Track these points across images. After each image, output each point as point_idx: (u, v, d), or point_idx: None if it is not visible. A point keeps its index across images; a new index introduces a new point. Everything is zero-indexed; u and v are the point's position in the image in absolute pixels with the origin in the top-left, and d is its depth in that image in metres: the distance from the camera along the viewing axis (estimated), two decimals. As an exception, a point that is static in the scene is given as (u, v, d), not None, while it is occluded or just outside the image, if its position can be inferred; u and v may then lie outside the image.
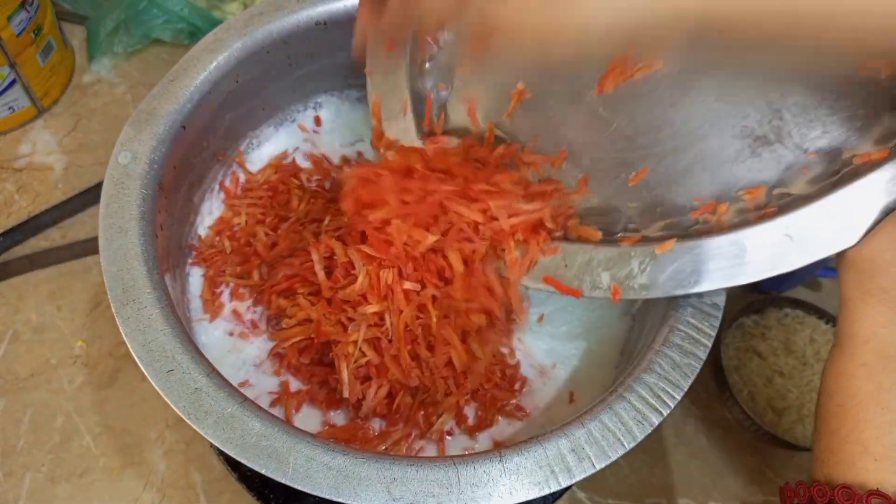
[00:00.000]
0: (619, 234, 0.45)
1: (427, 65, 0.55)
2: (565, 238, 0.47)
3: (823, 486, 0.37)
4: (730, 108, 0.41)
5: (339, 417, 0.53)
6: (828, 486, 0.37)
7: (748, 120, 0.40)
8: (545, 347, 0.57)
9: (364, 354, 0.50)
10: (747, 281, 0.40)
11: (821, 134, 0.39)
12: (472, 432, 0.53)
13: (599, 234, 0.46)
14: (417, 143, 0.54)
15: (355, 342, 0.50)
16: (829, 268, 0.68)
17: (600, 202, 0.46)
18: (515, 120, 0.51)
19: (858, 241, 0.38)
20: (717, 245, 0.41)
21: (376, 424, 0.52)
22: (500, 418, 0.54)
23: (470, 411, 0.54)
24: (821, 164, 0.39)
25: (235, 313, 0.57)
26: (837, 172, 0.38)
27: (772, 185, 0.40)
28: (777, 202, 0.40)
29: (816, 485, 0.38)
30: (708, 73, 0.41)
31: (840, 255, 0.40)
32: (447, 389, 0.51)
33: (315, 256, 0.53)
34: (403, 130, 0.54)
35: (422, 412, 0.52)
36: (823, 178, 0.39)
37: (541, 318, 0.58)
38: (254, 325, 0.56)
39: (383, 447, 0.51)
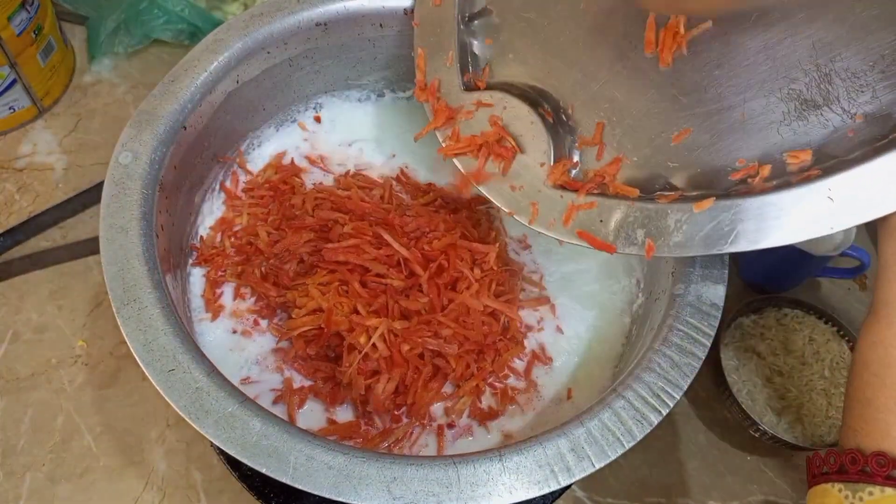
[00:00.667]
0: (657, 193, 0.45)
1: (475, 22, 0.56)
2: (603, 194, 0.47)
3: (856, 453, 0.37)
4: (778, 70, 0.41)
5: (342, 413, 0.53)
6: (860, 454, 0.37)
7: (796, 83, 0.40)
8: (542, 346, 0.57)
9: (375, 348, 0.51)
10: (784, 242, 0.39)
11: (870, 99, 0.38)
12: (483, 420, 0.53)
13: (636, 191, 0.46)
14: (461, 96, 0.55)
15: (368, 332, 0.52)
16: (828, 269, 0.69)
17: (640, 160, 0.46)
18: (558, 76, 0.51)
19: None
20: (758, 205, 0.40)
21: (380, 420, 0.53)
22: (509, 407, 0.54)
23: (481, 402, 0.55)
24: (868, 129, 0.38)
25: (237, 312, 0.57)
26: (885, 137, 0.38)
27: (816, 148, 0.40)
28: (821, 165, 0.39)
29: (849, 452, 0.37)
30: (757, 35, 0.41)
31: (882, 221, 0.38)
32: (466, 367, 0.54)
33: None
34: (447, 83, 0.55)
35: (434, 388, 0.53)
36: (870, 142, 0.38)
37: (539, 321, 0.59)
38: (256, 322, 0.57)
39: (385, 445, 0.51)
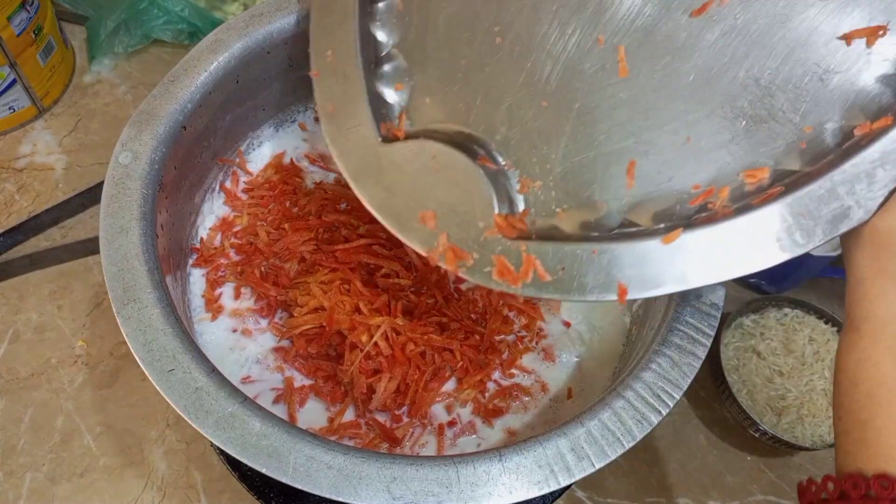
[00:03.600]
0: (615, 231, 0.42)
1: (383, 68, 0.50)
2: (558, 238, 0.44)
3: (857, 477, 0.35)
4: (717, 90, 0.40)
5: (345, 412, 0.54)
6: (861, 478, 0.35)
7: (739, 101, 0.39)
8: (544, 343, 0.58)
9: (377, 346, 0.52)
10: (766, 266, 0.38)
11: (812, 107, 0.38)
12: (487, 416, 0.53)
13: (594, 233, 0.43)
14: (378, 148, 0.47)
15: (370, 330, 0.52)
16: (828, 269, 0.69)
17: (589, 199, 0.43)
18: (484, 117, 0.46)
19: (871, 216, 0.36)
20: (722, 233, 0.38)
21: (381, 419, 0.53)
22: (513, 404, 0.54)
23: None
24: (819, 138, 0.38)
25: (237, 311, 0.57)
26: (840, 145, 0.37)
27: (773, 164, 0.39)
28: (781, 182, 0.38)
29: (849, 477, 0.35)
30: (691, 57, 0.40)
31: (849, 234, 0.37)
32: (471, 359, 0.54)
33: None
34: (362, 139, 0.48)
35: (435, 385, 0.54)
36: (826, 153, 0.37)
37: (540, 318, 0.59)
38: (256, 322, 0.57)
39: (385, 445, 0.51)
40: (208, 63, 0.54)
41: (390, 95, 0.50)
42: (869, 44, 0.36)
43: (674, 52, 0.40)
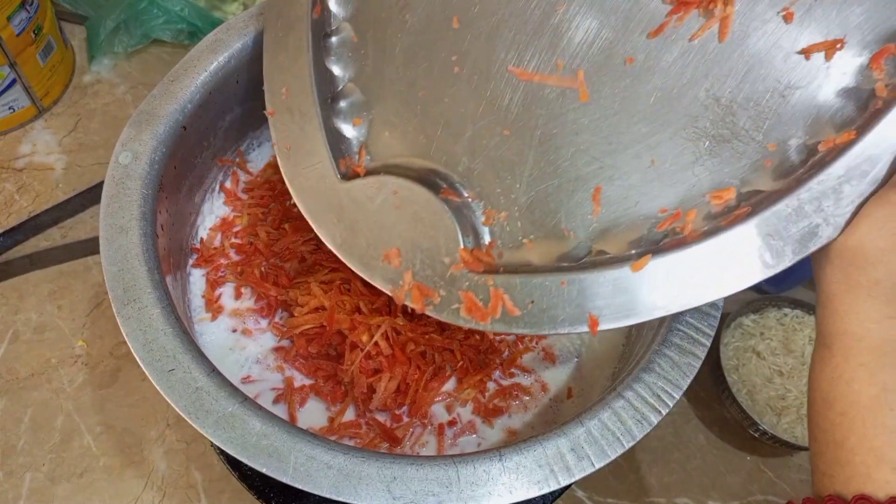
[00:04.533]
0: (584, 259, 0.41)
1: (339, 103, 0.49)
2: (525, 271, 0.42)
3: (836, 499, 0.34)
4: (677, 110, 0.39)
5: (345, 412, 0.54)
6: (841, 500, 0.34)
7: (700, 121, 0.39)
8: (544, 343, 0.58)
9: (378, 346, 0.52)
10: (737, 290, 0.38)
11: (775, 124, 0.37)
12: (487, 416, 0.53)
13: (562, 263, 0.42)
14: (338, 185, 0.47)
15: (370, 330, 0.52)
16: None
17: (555, 227, 0.42)
18: (445, 148, 0.45)
19: (839, 234, 0.35)
20: (695, 255, 0.38)
21: (382, 418, 0.53)
22: (513, 403, 0.54)
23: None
24: (784, 155, 0.37)
25: (237, 311, 0.57)
26: (805, 162, 0.36)
27: (738, 184, 0.38)
28: (748, 202, 0.38)
29: (829, 499, 0.34)
30: (648, 79, 0.39)
31: (818, 251, 0.36)
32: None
33: None
34: (321, 177, 0.47)
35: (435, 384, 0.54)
36: (792, 170, 0.37)
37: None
38: (256, 322, 0.57)
39: (385, 445, 0.51)
40: (208, 63, 0.54)
41: (348, 131, 0.49)
42: (828, 57, 0.36)
43: (633, 74, 0.40)
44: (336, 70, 0.49)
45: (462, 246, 0.43)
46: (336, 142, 0.48)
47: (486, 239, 0.44)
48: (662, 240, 0.39)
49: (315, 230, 0.47)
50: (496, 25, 0.43)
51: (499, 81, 0.43)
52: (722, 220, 0.38)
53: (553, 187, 0.42)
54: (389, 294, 0.45)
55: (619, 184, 0.40)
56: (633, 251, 0.40)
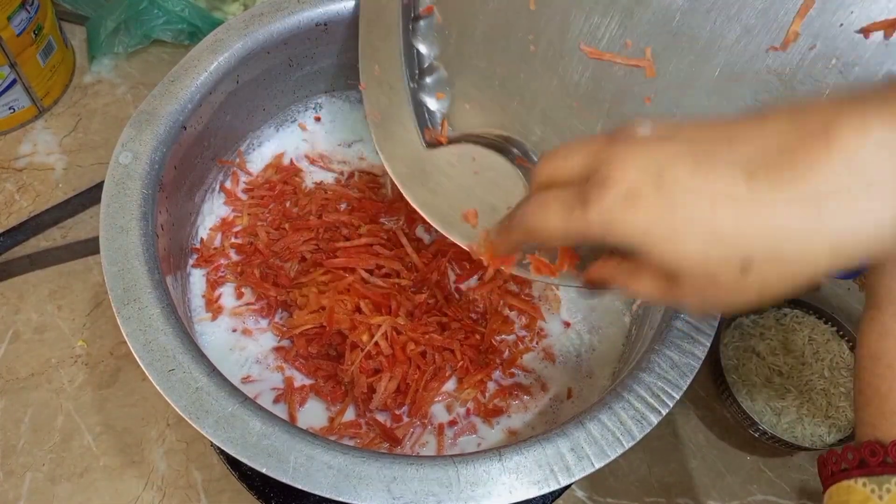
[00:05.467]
0: None
1: (425, 80, 0.53)
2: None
3: (875, 445, 0.36)
4: (741, 86, 0.41)
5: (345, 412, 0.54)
6: (879, 445, 0.36)
7: (760, 95, 0.40)
8: (544, 343, 0.58)
9: (378, 346, 0.52)
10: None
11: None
12: (487, 416, 0.54)
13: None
14: (423, 153, 0.52)
15: (371, 330, 0.52)
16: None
17: None
18: (520, 120, 0.50)
19: None
20: None
21: (382, 418, 0.53)
22: (513, 403, 0.54)
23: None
24: None
25: (237, 311, 0.57)
26: None
27: None
28: None
29: (867, 445, 0.36)
30: (711, 58, 0.41)
31: None
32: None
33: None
34: (408, 145, 0.53)
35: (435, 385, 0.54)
36: None
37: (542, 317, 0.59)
38: (256, 322, 0.57)
39: (385, 445, 0.51)
40: (208, 63, 0.54)
41: (432, 104, 0.54)
42: (887, 35, 0.37)
43: (697, 51, 0.41)
44: (423, 49, 0.53)
45: None
46: (421, 113, 0.53)
47: None
48: None
49: (403, 193, 0.51)
50: (569, 6, 0.45)
51: (571, 59, 0.46)
52: None
53: None
54: (466, 249, 0.48)
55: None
56: None
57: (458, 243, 0.49)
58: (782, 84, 0.39)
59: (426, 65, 0.54)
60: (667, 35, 0.42)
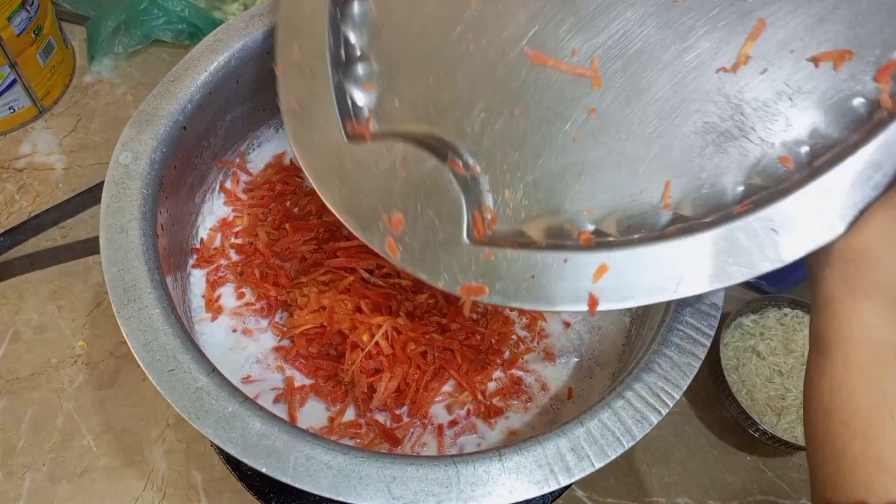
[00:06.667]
0: (586, 240, 0.41)
1: (351, 69, 0.48)
2: (528, 246, 0.42)
3: None
4: (688, 103, 0.39)
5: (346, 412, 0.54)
6: None
7: (708, 116, 0.39)
8: (545, 343, 0.58)
9: (378, 346, 0.52)
10: (739, 280, 0.38)
11: (784, 127, 0.38)
12: (487, 416, 0.54)
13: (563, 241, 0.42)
14: (344, 148, 0.46)
15: (371, 329, 0.52)
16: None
17: (556, 207, 0.42)
18: (454, 120, 0.45)
19: (844, 233, 0.35)
20: (699, 243, 0.38)
21: (382, 418, 0.53)
22: (513, 403, 0.55)
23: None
24: (790, 157, 0.38)
25: (237, 311, 0.57)
26: (810, 164, 0.37)
27: (743, 180, 0.39)
28: (751, 198, 0.38)
29: None
30: (663, 70, 0.40)
31: (819, 252, 0.36)
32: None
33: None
34: (327, 137, 0.47)
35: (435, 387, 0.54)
36: (798, 169, 0.37)
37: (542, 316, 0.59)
38: (256, 322, 0.57)
39: (385, 445, 0.51)
40: (208, 63, 0.54)
41: (359, 95, 0.48)
42: (836, 67, 0.37)
43: (646, 64, 0.40)
44: (352, 36, 0.49)
45: (465, 217, 0.42)
46: (345, 105, 0.48)
47: (489, 213, 0.44)
48: (667, 227, 0.40)
49: (315, 188, 0.47)
50: (515, 7, 0.43)
51: (513, 62, 0.43)
52: (725, 212, 0.38)
53: (560, 168, 0.42)
54: (381, 255, 0.44)
55: (626, 170, 0.41)
56: (636, 236, 0.40)
57: (375, 249, 0.44)
58: (731, 107, 0.39)
59: (354, 54, 0.48)
60: (616, 47, 0.41)
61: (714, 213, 0.39)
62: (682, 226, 0.39)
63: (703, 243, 0.38)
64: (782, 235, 0.37)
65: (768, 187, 0.38)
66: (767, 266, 0.37)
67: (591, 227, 0.41)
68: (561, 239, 0.42)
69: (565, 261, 0.40)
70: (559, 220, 0.42)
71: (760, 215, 0.37)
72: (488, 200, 0.44)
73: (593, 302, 0.39)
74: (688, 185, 0.40)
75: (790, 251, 0.37)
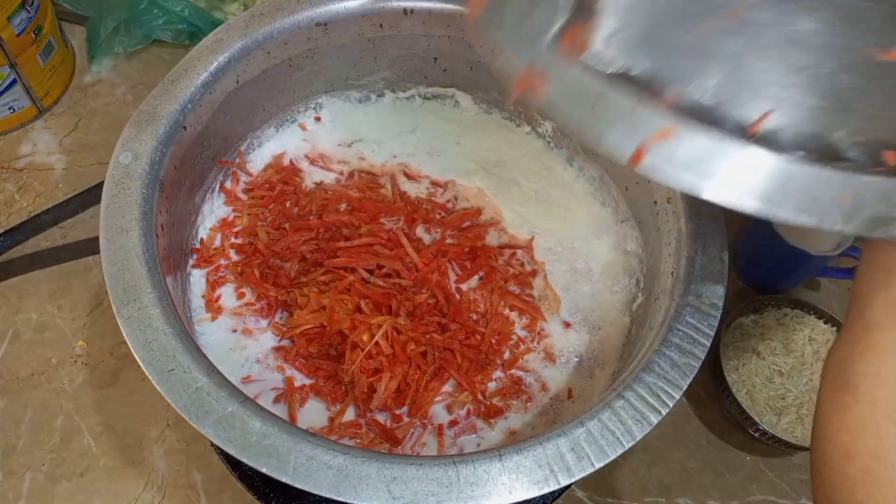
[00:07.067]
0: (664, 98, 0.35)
1: None
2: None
3: None
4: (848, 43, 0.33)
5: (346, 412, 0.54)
6: None
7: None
8: (545, 343, 0.58)
9: (378, 346, 0.52)
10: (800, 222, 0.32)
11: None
12: (487, 417, 0.54)
13: None
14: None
15: (371, 329, 0.52)
16: (828, 269, 0.69)
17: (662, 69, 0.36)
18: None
19: None
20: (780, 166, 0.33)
21: (382, 418, 0.53)
22: (513, 402, 0.55)
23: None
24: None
25: (237, 311, 0.57)
26: None
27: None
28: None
29: None
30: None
31: (882, 269, 0.32)
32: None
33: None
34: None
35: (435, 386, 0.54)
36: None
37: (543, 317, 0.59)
38: (256, 322, 0.57)
39: (385, 445, 0.51)
40: (208, 63, 0.54)
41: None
42: None
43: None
44: None
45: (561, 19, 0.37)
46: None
47: (587, 34, 0.37)
48: (753, 138, 0.34)
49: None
50: None
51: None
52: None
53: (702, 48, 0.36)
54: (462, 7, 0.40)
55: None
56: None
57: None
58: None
59: None
60: None
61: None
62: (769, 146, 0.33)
63: (786, 171, 0.33)
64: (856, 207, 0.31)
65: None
66: (837, 226, 0.32)
67: (678, 93, 0.35)
68: (643, 87, 0.36)
69: (635, 106, 0.35)
70: (656, 75, 0.36)
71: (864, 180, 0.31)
72: (597, 24, 0.38)
73: (638, 154, 0.35)
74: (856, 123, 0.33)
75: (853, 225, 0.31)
